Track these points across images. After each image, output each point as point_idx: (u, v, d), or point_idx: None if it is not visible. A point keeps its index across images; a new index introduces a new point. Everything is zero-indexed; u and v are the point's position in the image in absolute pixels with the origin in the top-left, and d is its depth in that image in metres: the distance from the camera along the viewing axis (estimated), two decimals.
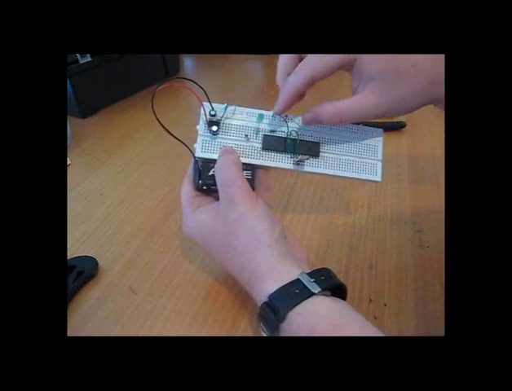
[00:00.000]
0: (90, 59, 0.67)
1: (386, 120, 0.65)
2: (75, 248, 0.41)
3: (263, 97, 0.78)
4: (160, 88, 0.31)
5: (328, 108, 0.31)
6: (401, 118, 0.64)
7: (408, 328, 0.32)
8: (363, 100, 0.30)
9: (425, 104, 0.29)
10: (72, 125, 0.64)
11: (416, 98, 0.29)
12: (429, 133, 0.61)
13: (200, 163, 0.33)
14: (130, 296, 0.35)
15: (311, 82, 0.30)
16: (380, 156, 0.35)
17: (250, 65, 0.97)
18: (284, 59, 0.33)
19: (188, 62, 1.02)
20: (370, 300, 0.34)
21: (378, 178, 0.35)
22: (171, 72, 0.85)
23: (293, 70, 0.31)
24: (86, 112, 0.70)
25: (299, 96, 0.32)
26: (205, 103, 0.33)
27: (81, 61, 0.66)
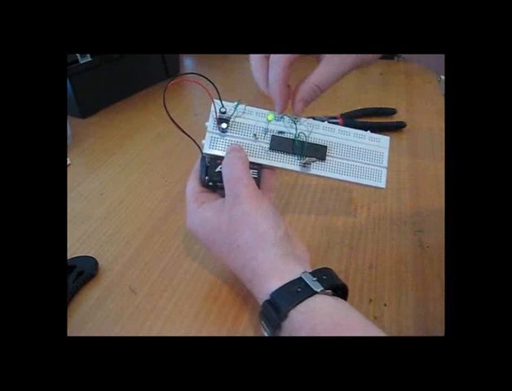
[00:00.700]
0: (90, 59, 0.67)
1: (386, 121, 0.65)
2: (75, 248, 0.41)
3: (263, 97, 0.78)
4: (172, 82, 0.31)
5: (307, 88, 0.32)
6: (401, 118, 0.64)
7: (408, 328, 0.32)
8: (329, 65, 0.32)
9: None
10: (72, 125, 0.64)
11: None
12: (429, 133, 0.61)
13: (207, 159, 0.33)
14: (130, 296, 0.35)
15: (289, 65, 0.32)
16: (385, 163, 0.36)
17: (250, 65, 0.97)
18: (257, 64, 0.35)
19: (188, 62, 1.02)
20: (370, 300, 0.34)
21: (383, 185, 0.36)
22: (171, 72, 0.85)
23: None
24: (86, 112, 0.70)
25: (288, 87, 0.33)
26: (215, 100, 0.33)
27: (81, 61, 0.66)
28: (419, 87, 0.78)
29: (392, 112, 0.66)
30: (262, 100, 0.78)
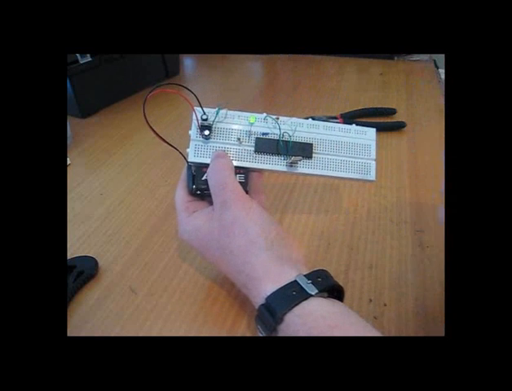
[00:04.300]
0: (90, 59, 0.67)
1: (386, 120, 0.65)
2: (75, 248, 0.41)
3: (263, 97, 0.78)
4: (150, 94, 0.30)
5: None
6: (401, 118, 0.64)
7: (408, 328, 0.32)
8: None
9: None
10: (72, 125, 0.64)
11: None
12: (429, 133, 0.61)
13: (193, 168, 0.33)
14: (130, 296, 0.35)
15: None
16: (373, 156, 0.35)
17: (250, 65, 0.97)
18: None
19: (188, 62, 1.01)
20: (370, 300, 0.34)
21: (372, 178, 0.35)
22: (171, 72, 0.85)
23: None
24: (86, 112, 0.70)
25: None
26: (196, 108, 0.33)
27: (81, 61, 0.66)
28: (419, 87, 0.78)
29: (392, 112, 0.66)
30: (261, 100, 0.78)
